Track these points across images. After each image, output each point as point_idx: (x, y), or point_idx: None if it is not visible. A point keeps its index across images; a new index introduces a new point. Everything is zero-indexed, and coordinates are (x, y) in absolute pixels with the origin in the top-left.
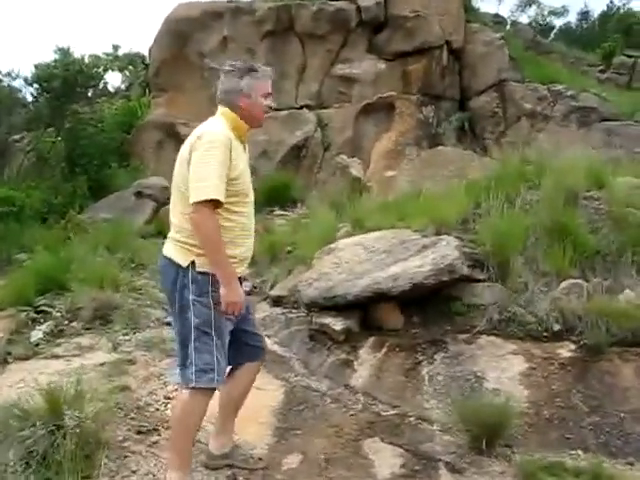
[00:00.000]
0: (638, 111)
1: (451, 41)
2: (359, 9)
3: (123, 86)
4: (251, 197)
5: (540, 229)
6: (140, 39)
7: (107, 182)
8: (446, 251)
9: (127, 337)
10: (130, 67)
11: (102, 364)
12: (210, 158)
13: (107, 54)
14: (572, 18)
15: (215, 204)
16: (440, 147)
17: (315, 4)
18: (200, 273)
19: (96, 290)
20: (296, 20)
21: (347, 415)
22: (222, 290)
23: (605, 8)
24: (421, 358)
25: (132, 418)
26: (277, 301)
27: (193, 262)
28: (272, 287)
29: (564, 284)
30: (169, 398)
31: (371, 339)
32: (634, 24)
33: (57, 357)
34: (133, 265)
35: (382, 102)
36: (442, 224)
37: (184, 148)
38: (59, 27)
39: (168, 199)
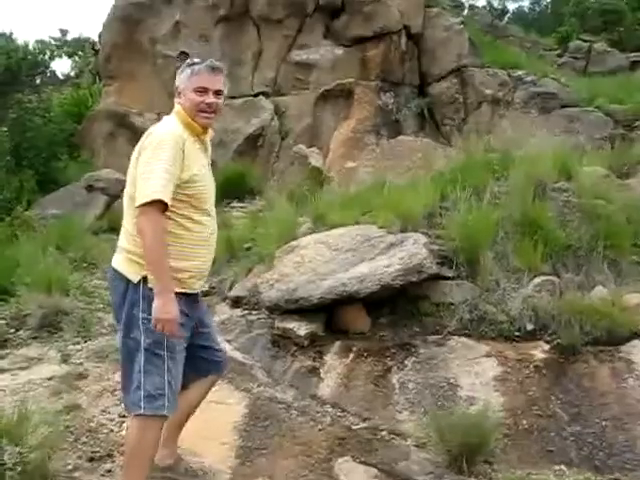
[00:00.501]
0: (597, 97)
1: (409, 26)
2: None
3: (73, 73)
4: (210, 204)
5: (509, 223)
6: (90, 23)
7: (56, 176)
8: (414, 249)
9: (78, 346)
10: (80, 53)
11: (50, 378)
12: (157, 158)
13: (54, 39)
14: (525, 2)
15: (162, 207)
16: (401, 136)
17: None
18: (152, 289)
19: (44, 294)
20: (251, 4)
21: (315, 430)
22: (154, 306)
23: None
24: (391, 364)
25: (83, 443)
26: (236, 302)
27: (145, 278)
28: (231, 287)
29: (536, 281)
30: (124, 416)
31: (337, 343)
32: (589, 8)
33: (2, 371)
34: (85, 264)
35: (340, 89)
36: (408, 219)
37: (136, 149)
38: (2, 10)
39: (121, 192)
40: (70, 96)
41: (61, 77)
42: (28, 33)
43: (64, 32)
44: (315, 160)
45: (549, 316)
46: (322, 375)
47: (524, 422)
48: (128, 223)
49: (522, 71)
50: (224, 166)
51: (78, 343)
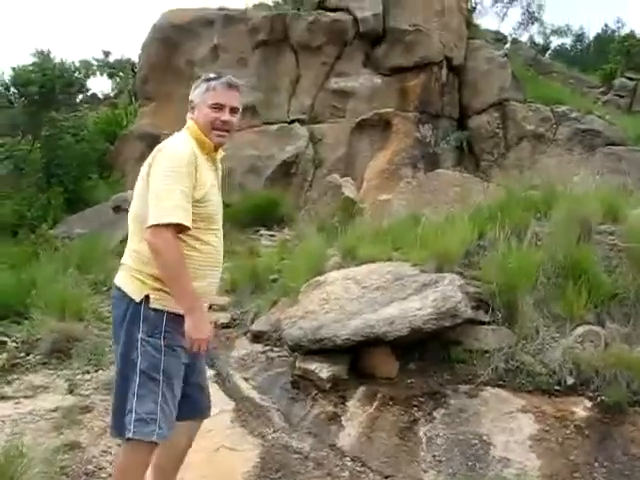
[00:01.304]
0: None
1: (451, 57)
2: (356, 20)
3: (112, 94)
4: (219, 223)
5: (551, 266)
6: (133, 45)
7: (86, 195)
8: (449, 292)
9: (87, 376)
10: (121, 74)
11: (54, 410)
12: (172, 175)
13: (97, 60)
14: (567, 39)
15: (178, 229)
16: (440, 170)
17: (311, 14)
18: (154, 310)
19: (56, 318)
20: (290, 30)
21: None
22: (187, 325)
23: (600, 31)
24: (418, 415)
25: None
26: (258, 336)
27: (147, 296)
28: (254, 320)
29: (578, 330)
30: None
31: (361, 389)
32: (634, 46)
33: (5, 398)
34: (105, 288)
35: (378, 118)
36: (443, 258)
37: (145, 165)
38: (48, 31)
39: None
40: (105, 115)
41: (101, 97)
42: (70, 53)
43: (107, 53)
44: (349, 191)
45: (592, 370)
46: (343, 423)
47: None
48: (132, 240)
49: (565, 107)
50: (255, 192)
51: (87, 372)
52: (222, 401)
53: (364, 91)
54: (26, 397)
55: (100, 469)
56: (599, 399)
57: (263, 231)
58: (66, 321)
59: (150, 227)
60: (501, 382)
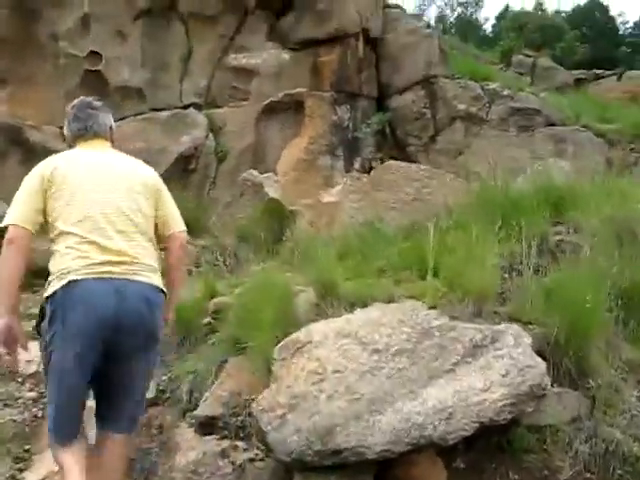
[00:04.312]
0: (583, 114)
1: (368, 28)
2: None
3: None
4: None
5: (613, 295)
6: None
7: None
8: (521, 357)
9: None
10: None
11: None
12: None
13: None
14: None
15: None
16: (391, 161)
17: None
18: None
19: None
20: None
21: None
22: None
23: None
24: None
25: None
26: (208, 425)
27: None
28: (192, 394)
29: None
30: None
31: None
32: (527, 24)
33: None
34: None
35: (288, 100)
36: (478, 295)
37: (144, 174)
38: None
39: None
40: None
41: None
42: None
43: None
44: (273, 190)
45: None
46: None
47: None
48: (149, 241)
49: (496, 84)
50: None
51: None
52: None
53: (269, 69)
54: None
55: None
56: None
57: None
58: None
59: (183, 232)
60: (589, 475)
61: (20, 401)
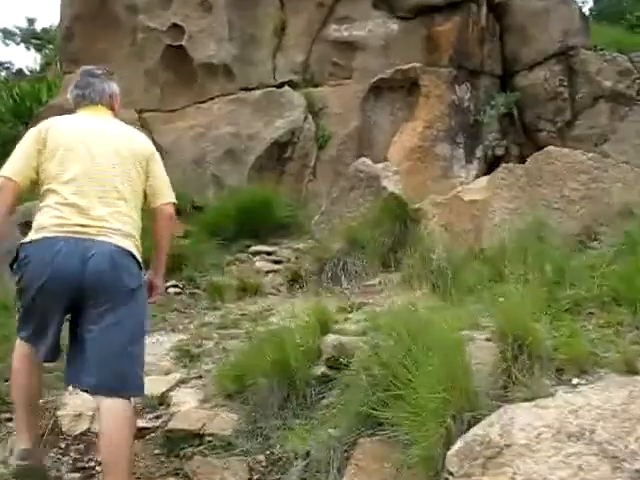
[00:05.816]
0: None
1: None
2: None
3: (39, 67)
4: None
5: None
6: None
7: None
8: None
9: None
10: (50, 46)
11: None
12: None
13: (20, 28)
14: None
15: None
16: (551, 147)
17: None
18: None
19: None
20: None
21: None
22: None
23: None
24: None
25: None
26: None
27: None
28: None
29: None
30: None
31: None
32: None
33: None
34: None
35: (400, 78)
36: None
37: (135, 142)
38: None
39: None
40: (15, 93)
41: (27, 72)
42: None
43: (31, 21)
44: (392, 184)
45: None
46: None
47: None
48: (131, 209)
49: None
50: (236, 189)
51: None
52: None
53: (376, 41)
54: None
55: None
56: None
57: (255, 246)
58: None
59: (170, 203)
60: None
61: None
